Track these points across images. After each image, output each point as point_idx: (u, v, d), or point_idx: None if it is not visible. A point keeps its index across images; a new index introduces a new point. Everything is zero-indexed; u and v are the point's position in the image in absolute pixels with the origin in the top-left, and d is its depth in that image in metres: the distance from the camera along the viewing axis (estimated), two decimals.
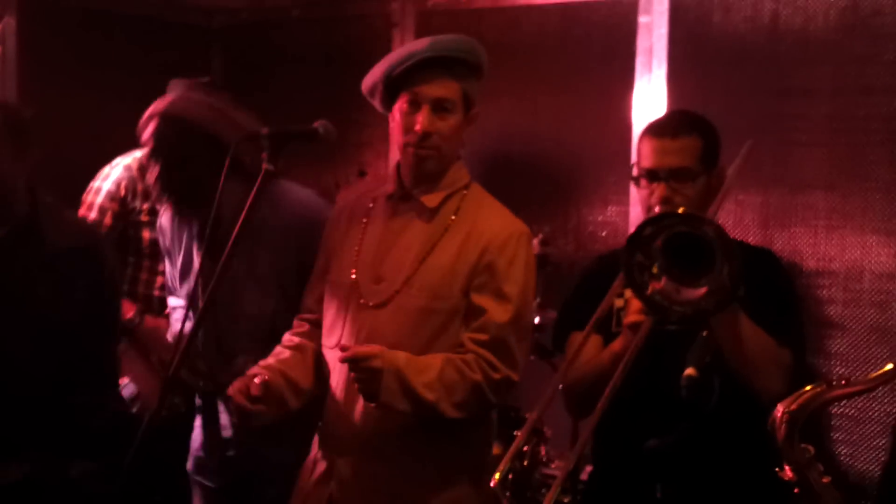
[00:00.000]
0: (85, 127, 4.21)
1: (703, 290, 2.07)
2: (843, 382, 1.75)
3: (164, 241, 3.00)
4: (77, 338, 2.75)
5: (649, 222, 2.13)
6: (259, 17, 4.82)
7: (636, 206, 3.85)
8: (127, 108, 3.51)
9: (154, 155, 2.79)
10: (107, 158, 3.74)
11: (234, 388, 2.40)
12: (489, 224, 2.38)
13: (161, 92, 2.95)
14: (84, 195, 3.68)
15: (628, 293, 2.31)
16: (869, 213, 3.45)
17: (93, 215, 3.60)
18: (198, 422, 3.00)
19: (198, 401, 2.98)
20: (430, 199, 2.42)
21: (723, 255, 2.04)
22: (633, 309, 2.28)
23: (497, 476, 2.05)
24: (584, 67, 4.09)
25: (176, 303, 3.01)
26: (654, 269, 2.11)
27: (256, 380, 2.38)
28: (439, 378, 2.28)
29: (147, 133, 2.81)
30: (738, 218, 3.60)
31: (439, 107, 2.39)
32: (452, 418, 2.33)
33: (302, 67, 4.45)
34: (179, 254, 2.92)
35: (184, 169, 2.74)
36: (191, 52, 3.20)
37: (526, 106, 4.24)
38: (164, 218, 3.01)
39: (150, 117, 2.81)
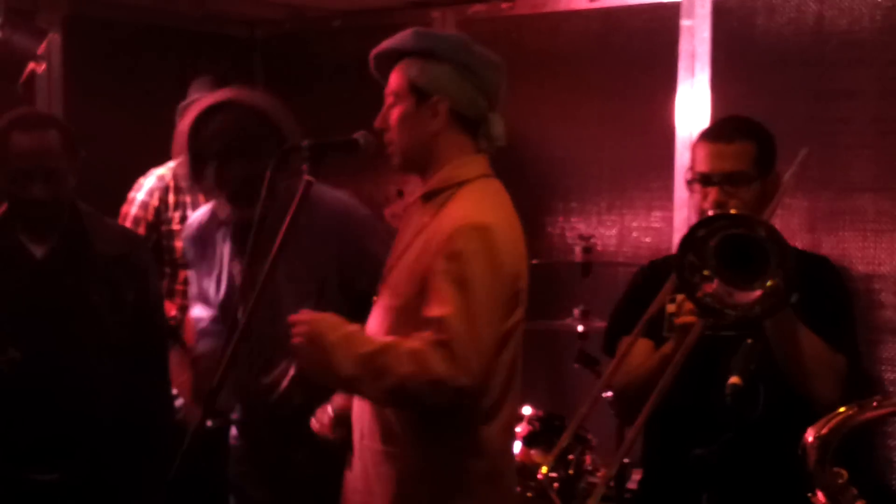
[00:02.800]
0: (129, 139, 4.26)
1: (756, 294, 2.06)
2: (875, 404, 1.70)
3: (194, 249, 2.97)
4: (130, 344, 2.80)
5: (703, 224, 2.12)
6: (300, 27, 4.86)
7: (681, 212, 3.83)
8: (171, 120, 3.56)
9: (218, 144, 2.70)
10: (148, 169, 3.79)
11: (315, 425, 2.53)
12: (446, 219, 2.23)
13: None
14: (122, 206, 3.73)
15: (679, 297, 2.29)
16: None
17: (127, 226, 3.65)
18: (234, 431, 3.01)
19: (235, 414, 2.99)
20: (423, 197, 2.38)
21: (777, 259, 2.03)
22: (684, 310, 2.25)
23: (544, 470, 2.06)
24: (625, 73, 4.08)
25: (202, 313, 3.00)
26: (707, 272, 2.10)
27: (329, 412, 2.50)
28: (371, 358, 2.16)
29: (221, 121, 2.72)
30: (784, 222, 3.56)
31: (388, 100, 2.36)
32: (388, 407, 2.26)
33: (343, 78, 4.46)
34: (212, 262, 2.90)
35: (246, 160, 2.68)
36: (233, 63, 3.24)
37: (567, 112, 4.23)
38: (193, 227, 2.98)
39: (213, 107, 2.75)
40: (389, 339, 2.21)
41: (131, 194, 3.73)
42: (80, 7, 4.26)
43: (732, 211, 2.15)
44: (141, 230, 3.68)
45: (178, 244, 3.65)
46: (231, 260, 2.83)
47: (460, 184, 2.29)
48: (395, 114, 2.31)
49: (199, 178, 2.77)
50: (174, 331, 3.39)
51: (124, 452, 2.81)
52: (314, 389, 2.48)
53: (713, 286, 2.09)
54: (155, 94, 4.37)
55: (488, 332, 2.15)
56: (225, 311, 2.81)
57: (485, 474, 2.27)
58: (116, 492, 2.82)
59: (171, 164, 3.70)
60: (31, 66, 3.24)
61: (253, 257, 2.49)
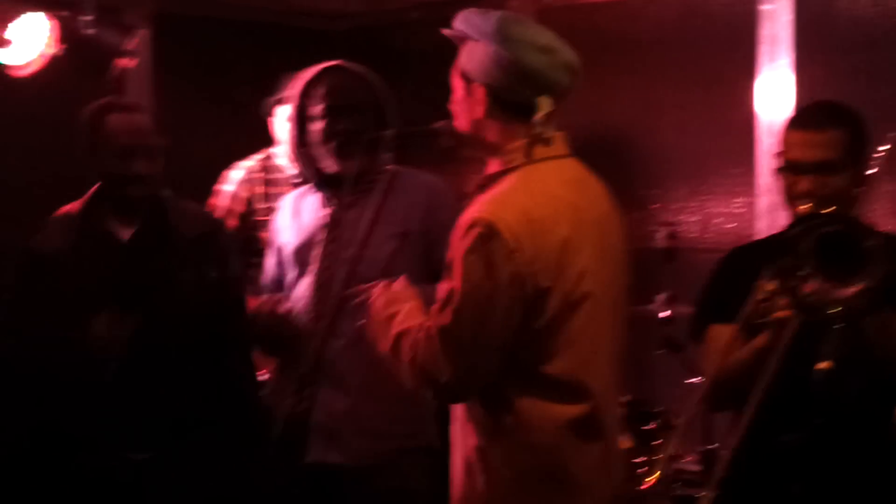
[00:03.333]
0: (216, 133, 4.36)
1: (855, 289, 2.03)
2: None
3: (281, 222, 3.12)
4: (214, 322, 2.89)
5: (799, 223, 2.09)
6: (380, 20, 4.91)
7: (763, 198, 3.80)
8: (253, 112, 3.64)
9: (329, 100, 2.94)
10: (234, 161, 3.87)
11: None
12: (465, 214, 2.21)
13: None
14: (211, 199, 3.81)
15: (770, 285, 2.27)
16: None
17: (222, 216, 3.73)
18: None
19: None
20: (478, 188, 2.39)
21: (876, 254, 2.00)
22: (780, 304, 2.20)
23: (655, 477, 2.05)
24: (705, 58, 4.06)
25: (270, 278, 3.15)
26: (805, 268, 2.07)
27: None
28: (395, 339, 2.21)
29: (329, 81, 2.97)
30: (870, 207, 3.50)
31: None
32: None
33: (422, 68, 4.51)
34: (296, 221, 3.06)
35: (351, 116, 2.91)
36: (314, 56, 3.29)
37: (646, 99, 4.22)
38: (287, 202, 3.16)
39: (322, 72, 2.99)
40: (415, 321, 2.22)
41: (220, 187, 3.81)
42: (167, 4, 4.37)
43: (826, 210, 2.12)
44: (232, 222, 3.75)
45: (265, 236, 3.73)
46: (321, 210, 3.00)
47: (501, 174, 2.24)
48: (454, 98, 2.33)
49: (302, 146, 2.99)
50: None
51: (210, 431, 2.90)
52: None
53: (811, 282, 2.07)
54: (240, 87, 4.46)
55: (474, 330, 2.10)
56: (300, 255, 3.00)
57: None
58: (204, 469, 2.90)
59: (260, 157, 3.78)
60: (122, 61, 3.33)
61: (347, 203, 2.83)
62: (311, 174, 3.04)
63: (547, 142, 2.22)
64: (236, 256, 3.13)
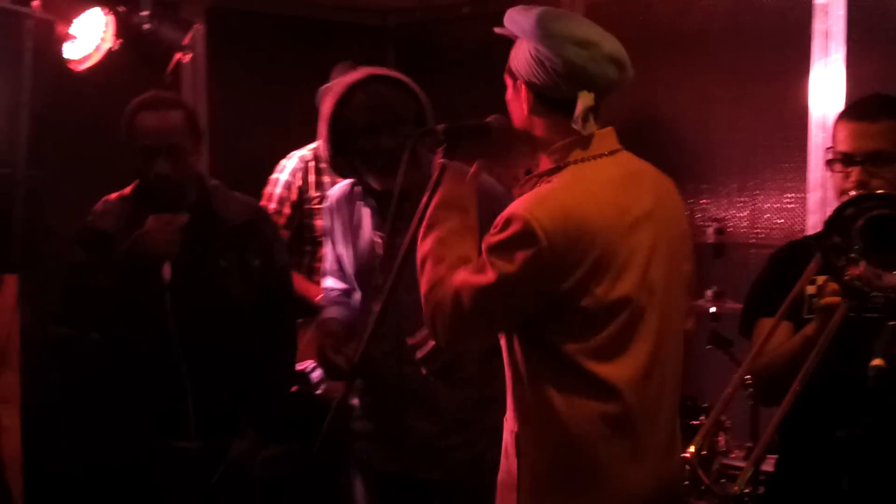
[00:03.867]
0: (267, 124, 4.42)
1: None
2: None
3: (332, 220, 3.03)
4: (258, 310, 2.94)
5: (849, 204, 2.07)
6: (431, 15, 4.94)
7: (814, 193, 3.78)
8: (305, 106, 3.68)
9: (366, 117, 2.77)
10: (287, 152, 3.92)
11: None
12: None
13: None
14: (265, 187, 3.86)
15: (820, 279, 2.25)
16: None
17: (272, 206, 3.79)
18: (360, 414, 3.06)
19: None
20: (529, 183, 2.41)
21: None
22: (828, 291, 2.18)
23: (692, 448, 2.04)
24: (757, 52, 4.03)
25: (335, 284, 3.07)
26: (853, 253, 2.05)
27: None
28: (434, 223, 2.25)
29: (370, 93, 2.79)
30: None
31: None
32: None
33: (473, 63, 4.53)
34: (349, 233, 2.97)
35: (393, 131, 2.75)
36: (367, 51, 3.33)
37: (698, 94, 4.20)
38: (333, 199, 3.04)
39: (356, 84, 2.81)
40: (448, 252, 2.24)
41: (274, 175, 3.86)
42: None
43: (879, 191, 2.10)
44: (286, 210, 3.81)
45: (319, 223, 3.76)
46: (373, 230, 2.89)
47: (548, 172, 2.22)
48: (507, 96, 2.32)
49: (341, 155, 2.84)
50: (313, 307, 3.49)
51: (253, 419, 2.94)
52: (449, 360, 2.50)
53: (860, 269, 2.05)
54: (293, 80, 4.51)
55: (487, 320, 2.15)
56: (361, 280, 2.89)
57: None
58: (248, 457, 2.95)
59: (312, 146, 3.82)
60: (178, 56, 3.37)
61: (395, 228, 2.60)
62: (360, 182, 2.92)
63: (588, 139, 2.19)
64: (282, 245, 3.17)
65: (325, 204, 3.09)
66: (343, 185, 3.05)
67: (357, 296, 2.98)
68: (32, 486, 3.22)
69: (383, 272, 2.73)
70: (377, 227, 2.88)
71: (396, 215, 2.53)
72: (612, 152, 2.24)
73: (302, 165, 3.84)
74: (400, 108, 2.79)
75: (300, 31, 4.78)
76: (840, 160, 2.41)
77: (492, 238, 2.15)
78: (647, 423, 2.21)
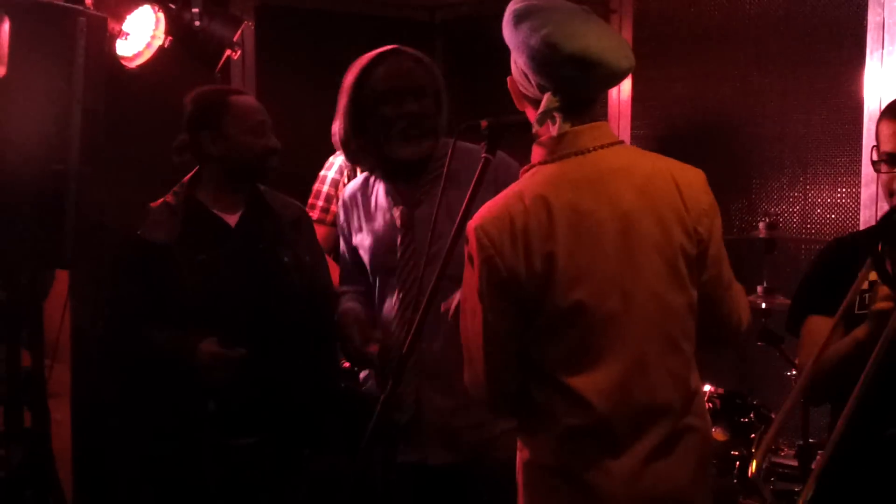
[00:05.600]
0: (315, 120, 4.42)
1: None
2: None
3: (347, 214, 3.02)
4: (310, 305, 2.97)
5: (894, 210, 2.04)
6: (479, 10, 4.93)
7: (868, 188, 3.71)
8: None
9: (391, 84, 2.83)
10: (333, 150, 3.93)
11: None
12: None
13: None
14: (314, 184, 3.88)
15: (873, 275, 2.21)
16: None
17: (320, 203, 3.81)
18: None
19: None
20: None
21: None
22: (881, 295, 2.14)
23: (753, 467, 2.02)
24: (810, 44, 3.98)
25: (349, 287, 3.05)
26: None
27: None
28: None
29: (391, 64, 2.87)
30: None
31: None
32: None
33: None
34: (365, 219, 2.97)
35: (415, 98, 2.81)
36: (415, 47, 3.32)
37: (750, 87, 4.16)
38: (347, 193, 3.05)
39: (376, 57, 2.90)
40: None
41: (322, 172, 3.88)
42: None
43: None
44: (333, 207, 3.83)
45: None
46: (391, 207, 2.89)
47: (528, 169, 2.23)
48: None
49: (360, 133, 2.88)
50: None
51: (304, 416, 2.96)
52: None
53: None
54: (340, 76, 4.52)
55: (475, 336, 2.15)
56: (379, 261, 2.89)
57: None
58: (300, 453, 2.98)
59: None
60: (228, 52, 3.40)
61: (417, 199, 2.72)
62: (376, 165, 2.93)
63: (562, 139, 2.14)
64: (320, 243, 3.23)
65: (340, 202, 3.10)
66: (358, 180, 3.06)
67: (371, 290, 2.96)
68: (83, 480, 3.26)
69: (403, 244, 2.80)
70: (396, 202, 2.89)
71: (414, 187, 2.72)
72: (586, 150, 2.16)
73: (347, 162, 3.86)
74: (421, 79, 2.84)
75: (347, 27, 4.80)
76: (884, 161, 2.36)
77: (465, 251, 2.18)
78: (626, 432, 2.15)
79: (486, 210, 2.15)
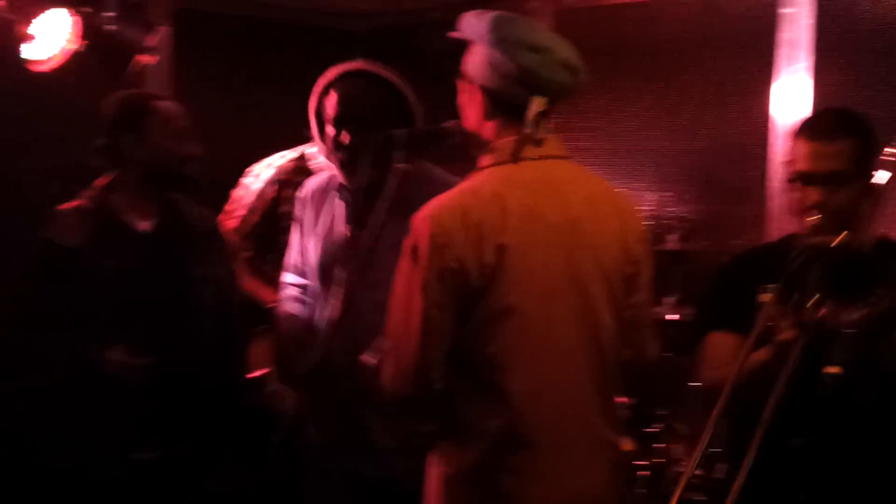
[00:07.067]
0: (233, 128, 4.39)
1: (865, 311, 2.02)
2: None
3: (304, 211, 3.05)
4: (222, 316, 2.93)
5: (806, 250, 2.09)
6: (401, 20, 4.93)
7: (775, 201, 3.79)
8: (273, 111, 3.67)
9: (338, 110, 2.84)
10: (253, 159, 3.90)
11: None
12: None
13: (307, 95, 3.06)
14: (233, 191, 3.83)
15: (775, 289, 2.24)
16: None
17: (242, 212, 3.76)
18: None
19: None
20: None
21: (884, 275, 2.00)
22: (786, 324, 2.16)
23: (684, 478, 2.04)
24: (723, 61, 4.06)
25: (294, 280, 3.06)
26: (812, 293, 2.06)
27: None
28: None
29: (344, 87, 2.87)
30: (885, 214, 3.49)
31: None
32: None
33: (443, 69, 4.51)
34: (321, 225, 2.99)
35: (363, 127, 2.81)
36: (335, 56, 3.31)
37: (665, 100, 4.21)
38: (308, 190, 3.07)
39: (352, 72, 2.90)
40: None
41: (246, 180, 3.83)
42: (189, 0, 4.41)
43: (838, 238, 2.10)
44: (256, 217, 3.78)
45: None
46: (344, 223, 2.91)
47: (476, 172, 2.25)
48: (459, 100, 2.33)
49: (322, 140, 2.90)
50: (266, 315, 3.47)
51: (209, 431, 2.93)
52: None
53: (823, 309, 2.05)
54: (261, 85, 4.50)
55: (406, 327, 2.14)
56: (325, 271, 2.90)
57: None
58: (205, 467, 2.94)
59: (292, 154, 3.80)
60: (142, 57, 3.35)
61: (361, 224, 2.66)
62: (335, 176, 2.97)
63: (538, 143, 2.20)
64: (232, 257, 3.19)
65: (300, 193, 3.09)
66: (322, 175, 3.07)
67: (314, 290, 2.97)
68: None
69: (344, 265, 2.78)
70: (349, 220, 2.90)
71: (364, 211, 2.64)
72: (544, 157, 2.22)
73: (277, 175, 3.81)
74: (370, 105, 2.82)
75: (269, 34, 4.76)
76: (798, 179, 2.40)
77: (406, 246, 2.18)
78: (548, 439, 2.18)
79: (438, 202, 2.17)
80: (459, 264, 2.09)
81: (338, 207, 2.95)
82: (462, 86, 2.30)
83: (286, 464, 2.88)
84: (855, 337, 2.09)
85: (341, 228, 2.92)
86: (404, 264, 2.16)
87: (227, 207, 3.70)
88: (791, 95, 3.79)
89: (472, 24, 2.23)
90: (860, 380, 2.21)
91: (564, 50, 2.19)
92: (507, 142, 2.21)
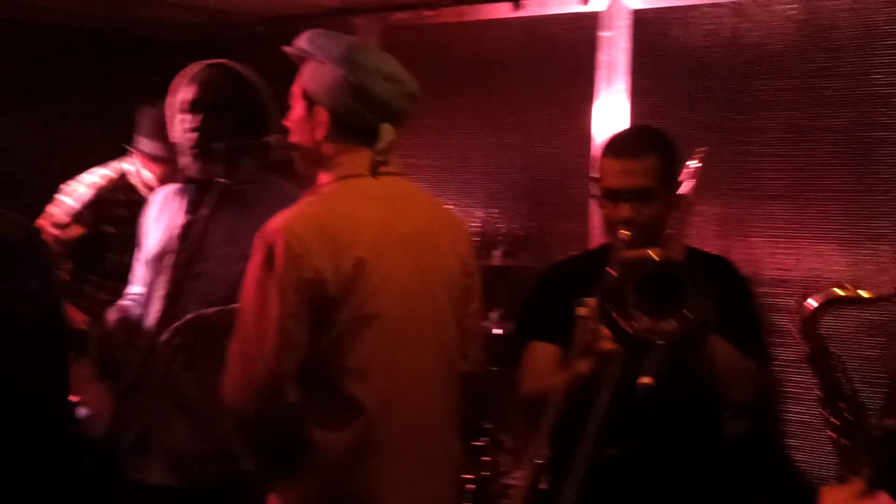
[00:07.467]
0: (42, 140, 4.21)
1: (679, 323, 2.07)
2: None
3: (148, 218, 2.97)
4: (33, 336, 2.77)
5: (621, 263, 2.13)
6: (222, 33, 4.83)
7: (597, 217, 3.88)
8: (85, 122, 3.53)
9: (203, 93, 2.78)
10: (62, 170, 3.75)
11: None
12: None
13: (119, 107, 2.97)
14: (49, 206, 3.68)
15: (591, 301, 2.30)
16: (826, 222, 3.49)
17: (56, 227, 3.62)
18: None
19: None
20: None
21: (696, 287, 2.06)
22: (604, 335, 2.22)
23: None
24: (547, 81, 4.13)
25: (136, 290, 2.98)
26: (628, 308, 2.09)
27: None
28: None
29: (202, 75, 2.81)
30: (698, 228, 3.62)
31: (290, 101, 2.34)
32: None
33: (266, 83, 4.45)
34: (162, 221, 2.91)
35: (213, 116, 2.76)
36: (150, 67, 3.22)
37: (489, 119, 4.27)
38: (158, 198, 2.99)
39: (212, 65, 2.84)
40: None
41: (61, 196, 3.69)
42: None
43: (653, 254, 2.17)
44: (73, 232, 3.66)
45: (110, 255, 3.64)
46: (183, 214, 2.85)
47: (322, 186, 2.26)
48: (293, 116, 2.31)
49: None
50: (83, 338, 3.34)
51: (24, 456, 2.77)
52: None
53: (637, 320, 2.09)
54: (75, 96, 4.33)
55: (259, 342, 2.11)
56: (157, 260, 2.84)
57: None
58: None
59: (103, 171, 3.67)
60: None
61: (200, 219, 2.63)
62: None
63: (367, 160, 2.24)
64: (56, 272, 3.05)
65: (147, 205, 3.02)
66: (166, 189, 3.00)
67: (150, 284, 2.90)
68: None
69: (179, 254, 2.74)
70: (188, 211, 2.84)
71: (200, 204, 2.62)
72: (384, 174, 2.26)
73: (95, 190, 3.69)
74: (227, 95, 2.78)
75: (77, 43, 4.57)
76: (605, 195, 2.46)
77: (255, 257, 2.13)
78: (402, 446, 2.21)
79: (291, 214, 2.15)
80: (317, 274, 2.09)
81: (181, 201, 2.90)
82: (300, 104, 2.28)
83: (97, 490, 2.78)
84: (666, 349, 2.15)
85: (180, 220, 2.86)
86: (254, 275, 2.13)
87: (40, 222, 3.55)
88: (610, 115, 3.90)
89: (324, 46, 2.24)
90: (671, 390, 2.29)
91: (411, 82, 2.26)
92: (352, 158, 2.24)
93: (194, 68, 2.85)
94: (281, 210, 2.49)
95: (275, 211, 2.63)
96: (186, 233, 2.77)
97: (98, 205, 3.68)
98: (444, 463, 2.33)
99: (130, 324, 2.87)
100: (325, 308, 2.11)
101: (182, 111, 2.80)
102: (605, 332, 2.19)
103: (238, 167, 2.73)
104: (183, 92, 2.81)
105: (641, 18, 3.87)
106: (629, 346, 2.11)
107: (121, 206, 3.70)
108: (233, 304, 2.55)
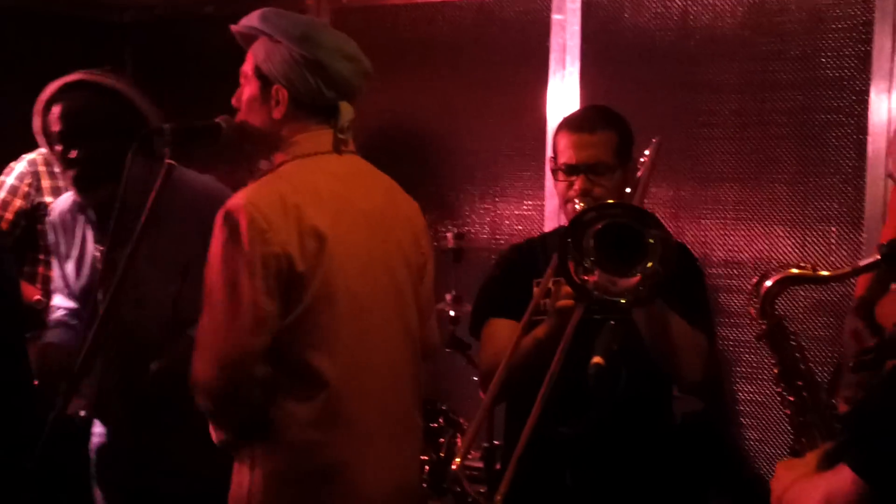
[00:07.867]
0: None
1: (636, 279, 2.08)
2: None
3: (56, 236, 2.90)
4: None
5: (593, 209, 2.12)
6: (172, 13, 4.77)
7: (552, 200, 3.90)
8: (28, 105, 3.46)
9: (62, 125, 2.68)
10: (12, 155, 3.69)
11: None
12: None
13: None
14: None
15: (552, 281, 2.31)
16: (775, 205, 3.55)
17: None
18: (97, 427, 2.94)
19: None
20: None
21: (656, 243, 2.06)
22: (562, 294, 2.27)
23: (457, 460, 2.06)
24: (499, 64, 4.13)
25: (62, 303, 2.92)
26: (587, 262, 2.11)
27: None
28: None
29: (66, 101, 2.70)
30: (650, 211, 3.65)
31: (241, 80, 2.33)
32: None
33: (215, 64, 4.38)
34: (73, 248, 2.85)
35: (90, 141, 2.67)
36: (101, 48, 3.15)
37: (443, 102, 4.27)
38: (56, 213, 2.91)
39: (71, 85, 2.72)
40: None
41: (0, 178, 3.64)
42: None
43: (609, 200, 2.19)
44: (8, 215, 3.60)
45: None
46: (93, 244, 2.78)
47: (277, 166, 2.26)
48: (244, 95, 2.30)
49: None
50: (40, 316, 3.29)
51: None
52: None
53: (595, 276, 2.11)
54: (23, 78, 4.22)
55: (228, 321, 2.11)
56: (86, 296, 2.77)
57: None
58: None
59: (42, 150, 3.61)
60: None
61: (114, 241, 2.43)
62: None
63: (324, 138, 2.26)
64: (10, 259, 2.97)
65: (48, 218, 2.94)
66: (65, 197, 2.92)
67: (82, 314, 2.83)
68: None
69: (102, 287, 2.58)
70: (97, 240, 2.78)
71: (117, 227, 2.36)
72: (344, 152, 2.29)
73: (30, 169, 3.64)
74: (94, 117, 2.68)
75: (26, 25, 4.46)
76: (562, 170, 2.50)
77: (214, 238, 2.12)
78: (368, 419, 2.24)
79: (252, 190, 2.16)
80: (283, 249, 2.09)
81: (86, 228, 2.83)
82: (254, 83, 2.26)
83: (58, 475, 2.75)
84: (618, 328, 2.16)
85: (91, 250, 2.80)
86: (219, 254, 2.12)
87: None
88: (563, 98, 3.91)
89: (276, 24, 2.23)
90: (623, 366, 2.31)
91: (367, 60, 2.30)
92: (311, 136, 2.25)
93: (52, 91, 2.73)
94: (201, 212, 2.50)
95: (195, 214, 2.62)
96: (109, 264, 2.54)
97: (32, 182, 3.63)
98: (409, 438, 2.37)
99: (61, 354, 2.76)
100: (292, 283, 2.11)
101: (55, 142, 2.71)
102: (564, 289, 2.22)
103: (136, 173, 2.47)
104: (51, 121, 2.70)
105: (592, 2, 3.89)
106: (587, 302, 2.13)
107: (58, 178, 3.64)
108: (177, 325, 2.55)
